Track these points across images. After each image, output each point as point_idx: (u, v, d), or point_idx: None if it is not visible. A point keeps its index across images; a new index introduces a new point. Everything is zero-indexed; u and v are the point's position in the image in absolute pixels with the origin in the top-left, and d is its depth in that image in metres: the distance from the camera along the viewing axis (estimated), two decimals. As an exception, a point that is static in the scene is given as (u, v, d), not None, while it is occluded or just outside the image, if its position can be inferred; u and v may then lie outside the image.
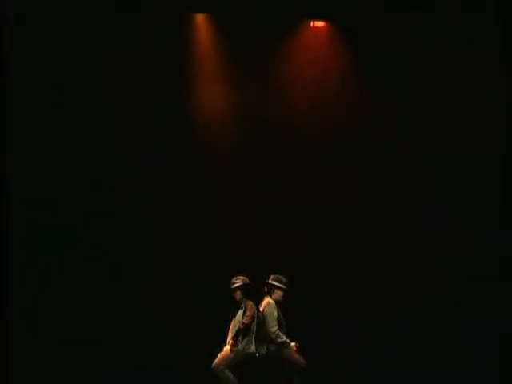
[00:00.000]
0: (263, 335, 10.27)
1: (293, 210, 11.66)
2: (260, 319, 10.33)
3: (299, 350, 10.30)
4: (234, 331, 10.36)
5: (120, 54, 11.35)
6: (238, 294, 10.48)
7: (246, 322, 10.27)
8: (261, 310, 10.38)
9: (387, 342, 11.27)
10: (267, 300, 10.41)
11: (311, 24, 11.88)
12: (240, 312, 10.43)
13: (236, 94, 11.74)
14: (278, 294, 10.42)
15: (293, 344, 10.30)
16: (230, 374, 10.14)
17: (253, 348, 10.27)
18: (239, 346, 10.26)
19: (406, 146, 11.66)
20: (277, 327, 10.23)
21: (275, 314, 10.30)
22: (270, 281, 10.45)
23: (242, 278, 10.50)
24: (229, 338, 10.38)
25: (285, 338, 10.25)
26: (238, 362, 10.23)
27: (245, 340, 10.28)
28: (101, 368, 10.99)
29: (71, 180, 11.36)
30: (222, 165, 11.63)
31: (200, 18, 11.73)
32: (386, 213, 11.59)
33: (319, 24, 11.90)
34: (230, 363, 10.19)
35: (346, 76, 11.80)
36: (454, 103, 11.51)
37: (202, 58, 11.80)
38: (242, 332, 10.28)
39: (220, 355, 10.26)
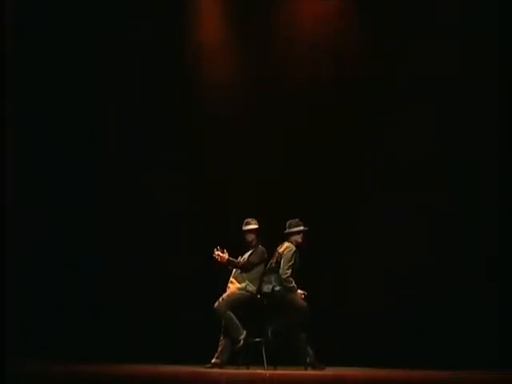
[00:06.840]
0: (269, 278, 10.05)
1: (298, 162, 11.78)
2: (276, 260, 10.08)
3: (306, 298, 10.08)
4: (238, 271, 10.24)
5: (120, 38, 12.06)
6: (251, 236, 10.30)
7: (252, 262, 10.15)
8: (280, 251, 10.12)
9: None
10: (288, 244, 10.14)
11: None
12: (248, 253, 10.29)
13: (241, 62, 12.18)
14: (297, 238, 10.18)
15: (300, 292, 10.09)
16: (232, 315, 9.96)
17: (254, 288, 10.12)
18: (241, 285, 10.16)
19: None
20: (289, 273, 9.98)
21: (292, 260, 10.02)
22: (287, 230, 10.19)
23: (256, 221, 10.33)
24: (231, 278, 10.27)
25: (293, 284, 10.02)
26: (240, 303, 10.06)
27: (248, 279, 10.16)
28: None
29: (70, 178, 11.82)
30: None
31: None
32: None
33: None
34: (232, 304, 10.02)
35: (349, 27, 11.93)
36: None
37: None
38: (245, 270, 10.15)
39: (222, 296, 10.10)
